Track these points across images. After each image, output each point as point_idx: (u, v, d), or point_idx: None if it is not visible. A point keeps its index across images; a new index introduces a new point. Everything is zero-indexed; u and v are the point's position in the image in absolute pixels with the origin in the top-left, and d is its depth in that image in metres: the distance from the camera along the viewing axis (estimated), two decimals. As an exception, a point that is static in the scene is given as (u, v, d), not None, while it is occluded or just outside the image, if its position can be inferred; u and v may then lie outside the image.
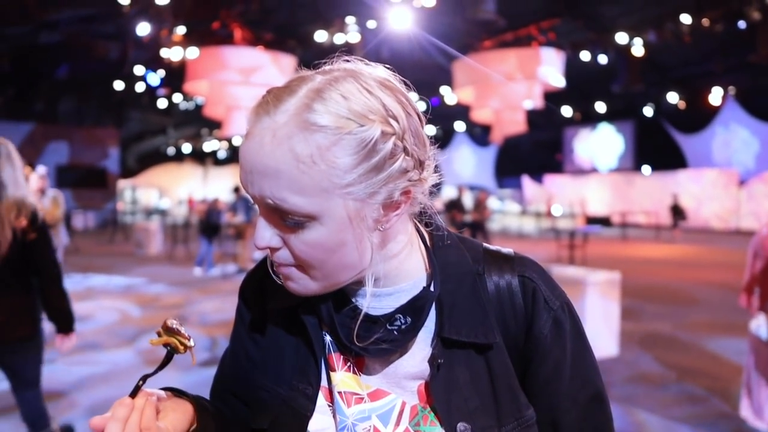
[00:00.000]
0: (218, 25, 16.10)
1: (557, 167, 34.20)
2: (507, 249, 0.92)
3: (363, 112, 0.72)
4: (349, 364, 0.86)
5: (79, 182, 24.92)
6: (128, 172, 34.13)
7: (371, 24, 15.13)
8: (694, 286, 10.57)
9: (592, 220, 27.10)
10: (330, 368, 0.86)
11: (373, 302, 0.83)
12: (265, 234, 0.76)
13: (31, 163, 7.43)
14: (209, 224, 11.94)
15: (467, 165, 35.77)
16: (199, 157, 39.48)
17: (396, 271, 0.84)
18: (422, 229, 0.89)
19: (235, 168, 39.08)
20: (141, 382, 0.79)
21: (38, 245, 2.88)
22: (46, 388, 4.92)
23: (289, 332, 0.90)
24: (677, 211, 21.47)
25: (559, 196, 30.82)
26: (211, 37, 16.06)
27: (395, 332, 0.81)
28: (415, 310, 0.81)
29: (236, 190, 13.07)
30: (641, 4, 16.29)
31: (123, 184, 31.73)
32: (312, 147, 0.70)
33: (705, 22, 15.24)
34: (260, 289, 0.95)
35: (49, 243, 2.97)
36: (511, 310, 0.85)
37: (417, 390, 0.84)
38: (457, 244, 0.89)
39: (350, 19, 15.45)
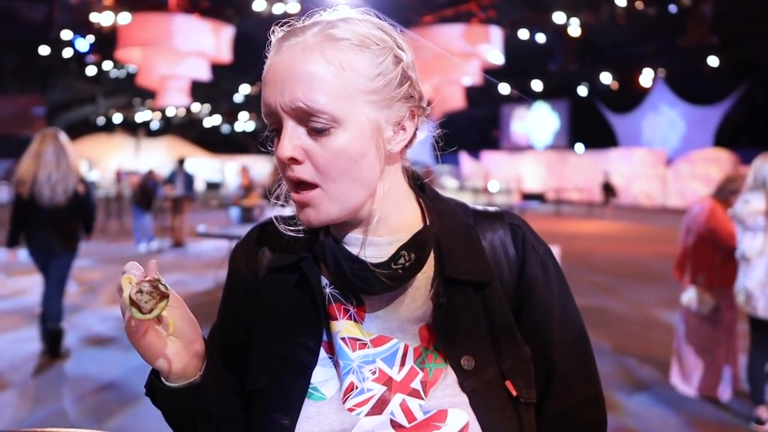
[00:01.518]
0: (152, -10, 15.50)
1: (494, 144, 34.70)
2: (493, 207, 0.98)
3: (378, 36, 0.83)
4: (350, 313, 0.88)
5: (1, 152, 23.73)
6: (55, 142, 32.68)
7: (311, -6, 14.87)
8: (625, 260, 10.97)
9: (527, 197, 27.70)
10: (331, 318, 0.88)
11: (374, 251, 0.86)
12: (289, 145, 0.80)
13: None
14: (144, 196, 11.59)
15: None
16: (131, 127, 38.11)
17: (395, 218, 0.88)
18: (416, 188, 0.94)
19: (169, 140, 38.20)
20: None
21: (85, 196, 5.01)
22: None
23: (287, 291, 0.91)
24: (608, 189, 22.16)
25: (495, 173, 31.28)
26: (145, 2, 15.44)
27: (400, 270, 0.84)
28: (418, 244, 0.85)
29: (180, 161, 12.58)
30: (579, -15, 16.57)
31: (49, 155, 30.41)
32: (340, 54, 0.79)
33: (638, 4, 15.64)
34: (253, 255, 0.97)
35: (91, 194, 5.15)
36: (505, 259, 0.91)
37: (419, 333, 0.87)
38: (447, 200, 0.96)
39: (290, -11, 15.12)
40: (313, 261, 0.90)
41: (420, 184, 0.95)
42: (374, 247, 0.87)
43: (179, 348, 0.81)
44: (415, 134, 0.89)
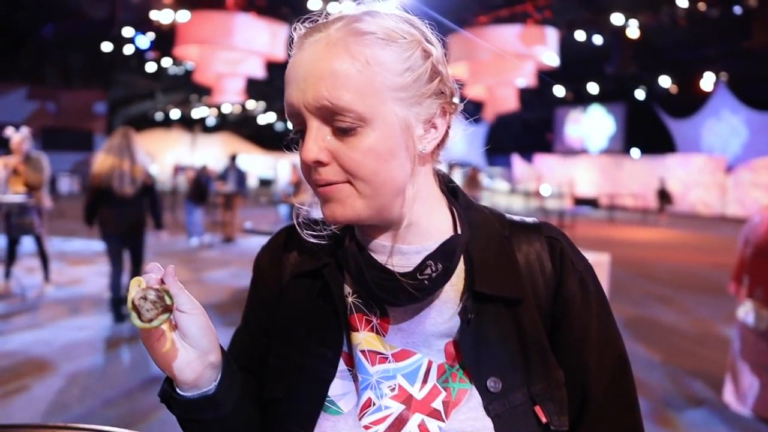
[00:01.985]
0: (211, -11, 15.80)
1: (547, 147, 34.19)
2: (530, 218, 0.93)
3: (406, 29, 0.79)
4: (372, 324, 0.85)
5: (65, 145, 24.60)
6: (115, 136, 33.70)
7: (366, -7, 14.93)
8: (679, 270, 10.65)
9: (580, 201, 27.22)
10: (352, 329, 0.85)
11: (400, 261, 0.83)
12: (314, 147, 0.76)
13: (17, 125, 7.31)
14: (197, 191, 11.83)
15: (457, 141, 35.53)
16: (188, 123, 38.98)
17: (425, 225, 0.84)
18: (448, 194, 0.90)
19: (224, 136, 38.93)
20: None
21: (152, 187, 5.89)
22: (31, 354, 4.89)
23: (308, 299, 0.89)
24: (664, 195, 21.57)
25: (548, 176, 30.84)
26: (204, 0, 15.75)
27: (426, 281, 0.79)
28: (445, 254, 0.81)
29: (232, 158, 12.80)
30: (639, -14, 16.18)
31: (109, 149, 31.37)
32: (365, 49, 0.75)
33: (701, 6, 15.17)
34: (278, 259, 0.95)
35: (155, 185, 6.03)
36: (541, 275, 0.85)
37: (444, 349, 0.83)
38: (482, 209, 0.91)
39: (345, -12, 15.24)
40: (336, 268, 0.87)
41: (453, 190, 0.90)
42: (401, 256, 0.83)
43: (193, 357, 0.79)
44: (447, 134, 0.85)
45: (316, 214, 0.89)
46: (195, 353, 0.79)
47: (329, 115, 0.75)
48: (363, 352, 0.83)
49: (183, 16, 15.29)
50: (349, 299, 0.86)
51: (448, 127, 0.85)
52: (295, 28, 0.83)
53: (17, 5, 18.38)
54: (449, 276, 0.81)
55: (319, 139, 0.76)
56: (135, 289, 0.75)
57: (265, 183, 37.34)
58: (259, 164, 38.79)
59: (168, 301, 0.75)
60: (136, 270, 5.90)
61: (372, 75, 0.75)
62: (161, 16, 16.10)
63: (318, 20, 0.81)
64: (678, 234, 17.40)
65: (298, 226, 0.90)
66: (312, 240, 0.90)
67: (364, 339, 0.84)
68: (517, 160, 34.02)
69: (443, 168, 0.92)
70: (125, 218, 5.69)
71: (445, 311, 0.83)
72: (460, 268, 0.84)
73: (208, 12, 15.21)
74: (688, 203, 25.64)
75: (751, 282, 4.26)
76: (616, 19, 16.49)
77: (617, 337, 0.88)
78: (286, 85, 0.79)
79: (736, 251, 4.52)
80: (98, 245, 10.87)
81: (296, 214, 0.90)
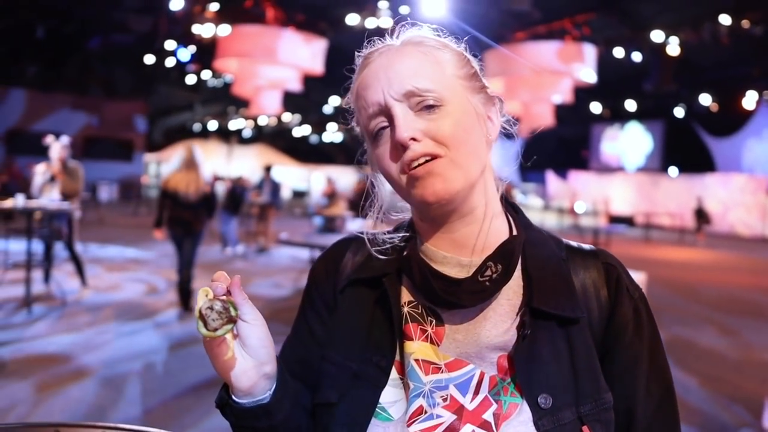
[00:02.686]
0: (251, 4, 16.08)
1: (582, 164, 33.85)
2: (588, 245, 0.95)
3: (451, 43, 0.90)
4: (427, 334, 0.87)
5: (105, 154, 25.19)
6: (154, 146, 34.36)
7: (404, 9, 15.02)
8: (720, 291, 10.42)
9: (615, 219, 26.84)
10: (407, 338, 0.87)
11: (461, 272, 0.86)
12: (407, 128, 0.81)
13: (58, 133, 7.54)
14: (232, 201, 11.99)
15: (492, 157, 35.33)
16: (224, 134, 39.60)
17: (487, 233, 0.88)
18: (508, 208, 0.95)
19: (260, 148, 39.36)
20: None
21: (211, 194, 6.79)
22: (70, 357, 5.00)
23: (364, 307, 0.92)
24: (701, 215, 21.17)
25: (582, 193, 30.52)
26: (243, 15, 16.04)
27: (487, 282, 0.83)
28: (504, 255, 0.85)
29: (267, 169, 12.93)
30: (679, 3, 15.99)
31: (149, 158, 31.98)
32: (429, 50, 0.86)
33: (744, 23, 14.92)
34: (334, 269, 0.98)
35: (214, 194, 6.99)
36: (595, 299, 0.88)
37: (497, 361, 0.84)
38: (540, 230, 0.94)
39: (383, 4, 15.35)
40: (396, 278, 0.90)
41: (513, 206, 0.95)
42: (461, 267, 0.87)
43: (250, 366, 0.81)
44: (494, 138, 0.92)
45: (360, 225, 0.92)
46: (252, 362, 0.81)
47: (413, 99, 0.83)
48: (417, 361, 0.85)
49: (224, 30, 15.61)
50: (405, 309, 0.89)
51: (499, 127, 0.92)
52: (360, 54, 0.91)
53: (65, 18, 18.94)
54: (509, 276, 0.84)
55: (408, 119, 0.82)
56: (203, 299, 0.78)
57: (299, 195, 37.66)
58: (293, 176, 39.15)
59: (233, 313, 0.78)
60: (189, 261, 6.80)
61: (440, 66, 0.85)
62: (203, 29, 16.45)
63: (376, 42, 0.91)
64: (716, 255, 17.04)
65: (366, 236, 0.96)
66: (375, 248, 0.94)
67: (418, 348, 0.86)
68: (551, 177, 33.75)
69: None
70: (188, 219, 6.65)
71: (500, 324, 0.85)
72: (518, 284, 0.87)
73: (248, 26, 15.49)
74: (727, 223, 25.11)
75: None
76: (656, 36, 16.33)
77: (666, 367, 0.90)
78: (363, 90, 0.87)
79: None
80: (134, 252, 11.12)
81: (363, 214, 0.97)
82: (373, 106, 0.84)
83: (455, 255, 0.87)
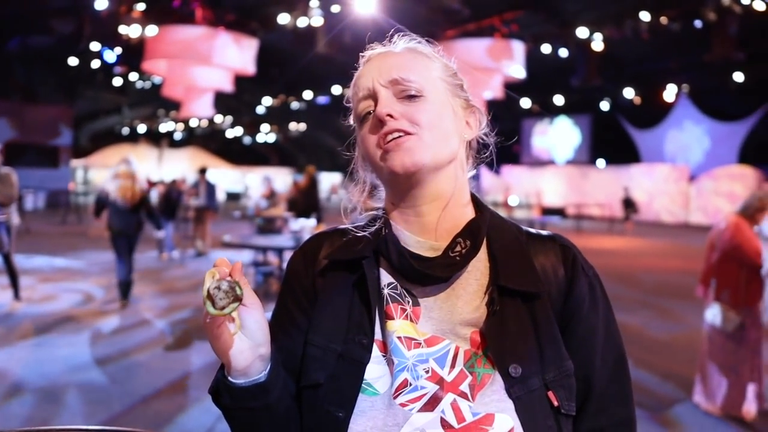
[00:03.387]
0: (179, 3, 15.73)
1: (515, 158, 34.60)
2: (544, 231, 1.04)
3: (443, 57, 1.03)
4: (406, 313, 0.93)
5: (29, 161, 24.14)
6: (81, 151, 33.17)
7: (335, 8, 15.00)
8: (646, 276, 10.88)
9: (548, 211, 27.55)
10: (388, 317, 0.93)
11: (432, 254, 0.95)
12: (386, 106, 0.93)
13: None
14: (168, 205, 11.71)
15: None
16: (155, 138, 38.60)
17: (457, 218, 0.97)
18: (476, 203, 1.03)
19: (192, 150, 38.55)
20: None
21: (145, 199, 7.34)
22: (4, 371, 4.80)
23: (344, 290, 0.96)
24: (629, 204, 21.96)
25: (516, 187, 31.21)
26: (171, 15, 15.67)
27: (457, 257, 0.92)
28: (472, 232, 0.95)
29: (202, 171, 12.62)
30: (602, 1, 16.55)
31: (75, 164, 30.87)
32: (419, 54, 0.99)
33: (663, 20, 15.58)
34: (312, 260, 1.03)
35: (147, 199, 7.55)
36: (554, 277, 0.96)
37: (470, 336, 0.92)
38: (502, 217, 1.04)
39: (314, 3, 15.27)
40: (374, 261, 0.97)
41: (477, 201, 1.04)
42: (433, 251, 0.95)
43: (245, 347, 0.86)
44: (473, 145, 1.04)
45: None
46: (249, 343, 0.86)
47: (397, 87, 0.94)
48: (399, 338, 0.91)
49: (151, 30, 15.20)
50: (386, 291, 0.95)
51: (477, 134, 1.04)
52: (363, 55, 1.03)
53: (-20, 19, 18.07)
54: (477, 250, 0.94)
55: (389, 101, 0.94)
56: (209, 280, 0.82)
57: (234, 197, 37.09)
58: (227, 178, 38.53)
59: (239, 292, 0.82)
60: (130, 259, 7.41)
61: (426, 66, 0.98)
62: (129, 30, 15.96)
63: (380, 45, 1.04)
64: (644, 242, 17.75)
65: (344, 215, 1.07)
66: (353, 232, 1.02)
67: (399, 326, 0.92)
68: (485, 172, 34.36)
69: None
70: (124, 223, 7.25)
71: (471, 302, 0.93)
72: (485, 265, 0.95)
73: (176, 27, 15.14)
74: (653, 212, 26.17)
75: (718, 285, 4.40)
76: (581, 32, 16.86)
77: (618, 337, 0.99)
78: (359, 78, 0.99)
79: (701, 257, 4.66)
80: (65, 262, 10.73)
81: (344, 208, 1.07)
82: (363, 90, 0.96)
83: (427, 239, 0.95)
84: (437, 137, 0.92)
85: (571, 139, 32.01)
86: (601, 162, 30.22)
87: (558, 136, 32.61)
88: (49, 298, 7.82)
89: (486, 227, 0.96)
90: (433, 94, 0.95)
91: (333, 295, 0.97)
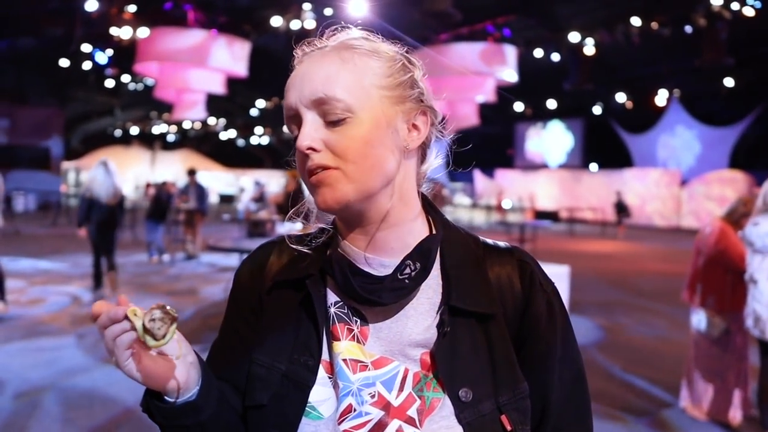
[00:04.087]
0: (171, 5, 15.69)
1: (508, 162, 34.65)
2: (503, 242, 0.98)
3: (391, 48, 0.91)
4: (353, 333, 0.89)
5: (20, 163, 24.02)
6: (73, 153, 33.03)
7: (327, 11, 14.99)
8: (636, 280, 10.90)
9: (540, 215, 27.59)
10: (334, 338, 0.89)
11: (384, 271, 0.89)
12: (308, 136, 0.84)
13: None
14: (158, 207, 11.64)
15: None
16: (148, 140, 38.47)
17: (405, 232, 0.90)
18: (428, 209, 0.96)
19: (185, 153, 38.49)
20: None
21: (120, 205, 7.97)
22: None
23: (290, 308, 0.92)
24: (621, 208, 22.03)
25: (509, 191, 31.25)
26: (163, 17, 15.62)
27: (406, 280, 0.86)
28: (422, 253, 0.88)
29: (191, 173, 12.58)
30: (594, 5, 16.60)
31: (67, 166, 30.75)
32: (354, 56, 0.87)
33: (654, 25, 15.63)
34: (259, 272, 0.99)
35: (124, 198, 8.36)
36: (510, 294, 0.91)
37: (420, 358, 0.87)
38: (458, 229, 0.97)
39: (307, 6, 15.26)
40: (319, 279, 0.92)
41: (431, 205, 0.97)
42: (383, 268, 0.89)
43: (174, 365, 0.82)
44: (427, 144, 0.94)
45: (288, 228, 0.94)
46: (175, 361, 0.82)
47: (322, 108, 0.84)
48: (345, 360, 0.87)
49: (143, 32, 15.14)
50: (332, 310, 0.91)
51: (428, 142, 0.94)
52: (295, 52, 0.92)
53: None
54: (427, 273, 0.88)
55: (312, 130, 0.84)
56: (136, 318, 0.77)
57: (227, 199, 37.01)
58: (220, 181, 38.45)
59: (172, 312, 0.79)
60: (110, 254, 8.01)
61: (360, 74, 0.85)
62: (121, 32, 15.90)
63: (315, 42, 0.92)
64: (635, 246, 17.80)
65: (288, 239, 0.98)
66: (297, 249, 0.96)
67: (345, 348, 0.88)
68: (478, 175, 34.40)
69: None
70: (106, 221, 7.82)
71: (421, 323, 0.88)
72: (437, 282, 0.90)
73: (168, 28, 15.11)
74: (645, 216, 26.25)
75: (704, 291, 4.41)
76: (573, 37, 16.89)
77: (577, 355, 0.95)
78: (285, 92, 0.88)
79: (690, 261, 4.66)
80: (53, 265, 10.67)
81: (289, 219, 0.99)
82: (289, 110, 0.87)
83: (377, 256, 0.89)
84: (364, 168, 0.83)
85: (563, 142, 32.09)
86: (593, 166, 30.31)
87: (551, 140, 32.68)
88: (36, 301, 7.76)
89: (438, 246, 0.90)
90: (365, 111, 0.84)
91: (279, 313, 0.93)
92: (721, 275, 4.29)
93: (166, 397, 0.84)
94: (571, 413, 0.92)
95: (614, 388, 4.97)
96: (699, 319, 4.41)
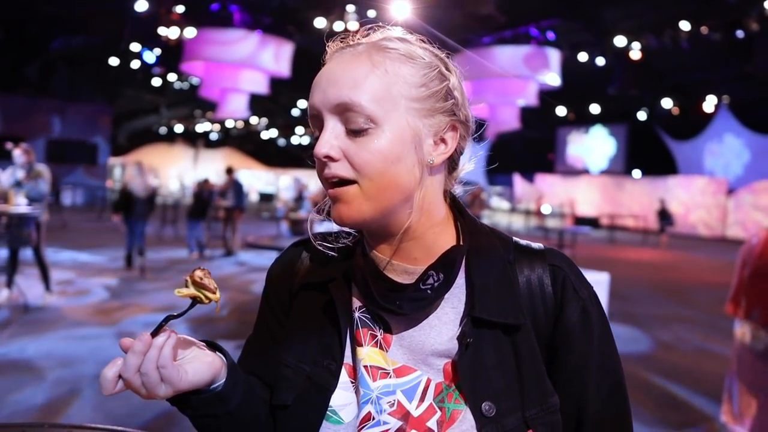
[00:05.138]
0: (217, 6, 15.97)
1: (548, 166, 34.27)
2: (537, 243, 0.94)
3: (427, 53, 0.86)
4: (376, 339, 0.88)
5: (69, 158, 24.71)
6: (119, 149, 33.83)
7: (371, 13, 15.06)
8: (681, 290, 10.66)
9: (580, 221, 27.22)
10: (357, 343, 0.88)
11: (407, 278, 0.86)
12: (327, 143, 0.81)
13: (22, 137, 7.41)
14: (198, 205, 11.84)
15: (468, 166, 35.48)
16: (191, 138, 39.19)
17: (431, 241, 0.87)
18: (457, 215, 0.93)
19: (227, 151, 39.05)
20: (164, 322, 0.80)
21: (154, 193, 10.30)
22: (32, 364, 4.91)
23: (316, 311, 0.92)
24: (664, 216, 21.58)
25: (549, 196, 30.91)
26: (210, 17, 15.92)
27: (428, 291, 0.83)
28: (446, 264, 0.84)
29: (228, 171, 12.81)
30: (642, 9, 16.32)
31: (113, 162, 31.52)
32: (386, 60, 0.82)
33: (704, 30, 15.30)
34: (290, 270, 0.99)
35: (156, 192, 12.20)
36: (541, 301, 0.87)
37: (443, 368, 0.85)
38: (488, 233, 0.92)
39: (350, 8, 15.37)
40: (344, 282, 0.91)
41: (461, 211, 0.93)
42: (407, 275, 0.87)
43: (202, 357, 0.83)
44: (458, 154, 0.91)
45: (326, 227, 0.93)
46: (199, 355, 0.83)
47: (345, 114, 0.81)
48: (366, 367, 0.86)
49: (190, 32, 15.44)
50: (356, 314, 0.89)
51: (460, 151, 0.91)
52: (328, 45, 0.89)
53: (28, 18, 18.55)
54: (450, 285, 0.85)
55: (332, 137, 0.81)
56: (187, 289, 0.83)
57: (266, 198, 37.44)
58: (261, 179, 38.92)
59: (199, 275, 0.84)
60: (142, 235, 9.63)
61: (389, 82, 0.81)
62: (169, 32, 16.24)
63: (348, 39, 0.88)
64: (678, 255, 17.42)
65: (314, 238, 0.95)
66: (323, 251, 0.94)
67: (367, 354, 0.87)
68: (518, 179, 34.12)
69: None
70: (140, 210, 9.48)
71: (444, 332, 0.85)
72: (462, 292, 0.87)
73: (214, 29, 15.38)
74: (689, 224, 25.66)
75: (748, 303, 4.28)
76: (619, 41, 16.64)
77: (616, 365, 0.90)
78: (311, 91, 0.85)
79: (735, 273, 4.54)
80: (97, 258, 10.94)
81: (311, 224, 0.95)
82: (311, 108, 0.84)
83: (401, 263, 0.87)
84: (381, 185, 0.80)
85: (606, 148, 31.59)
86: (636, 172, 29.76)
87: (593, 145, 32.21)
88: (81, 292, 7.97)
89: (462, 257, 0.86)
90: (389, 123, 0.80)
91: (305, 315, 0.93)
92: (766, 287, 4.17)
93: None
94: (609, 427, 0.88)
95: (651, 401, 4.87)
96: (743, 332, 4.30)
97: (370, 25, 0.89)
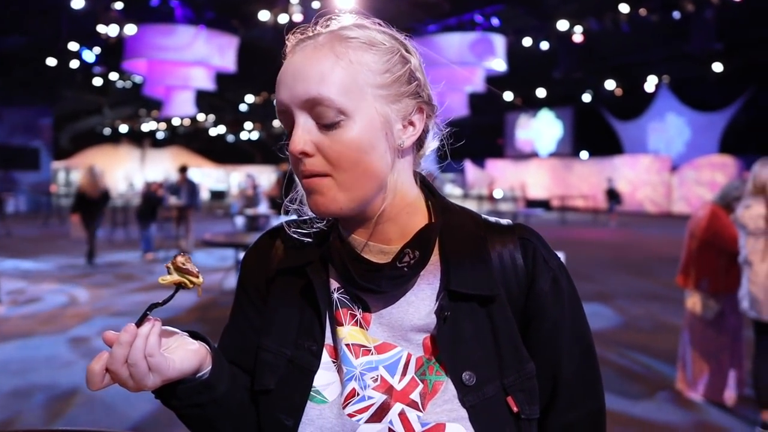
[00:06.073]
0: (158, 2, 15.60)
1: (499, 152, 34.72)
2: (505, 219, 0.98)
3: (387, 38, 0.87)
4: (356, 318, 0.90)
5: (9, 163, 23.84)
6: (62, 153, 32.83)
7: (315, 4, 14.92)
8: (629, 266, 10.96)
9: (532, 204, 27.68)
10: (337, 324, 0.90)
11: (383, 258, 0.88)
12: (300, 139, 0.82)
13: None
14: (148, 206, 11.61)
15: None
16: (137, 138, 38.28)
17: (404, 221, 0.89)
18: (428, 194, 0.95)
19: (175, 150, 38.31)
20: (147, 312, 0.81)
21: (106, 193, 10.96)
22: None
23: (294, 294, 0.93)
24: (613, 195, 22.12)
25: (500, 180, 31.33)
26: (151, 13, 15.53)
27: (405, 268, 0.85)
28: (421, 242, 0.87)
29: (182, 170, 12.57)
30: (582, -7, 16.61)
31: (56, 166, 30.58)
32: (348, 50, 0.83)
33: (642, 11, 15.66)
34: (266, 257, 0.99)
35: (108, 193, 11.26)
36: (513, 273, 0.90)
37: (422, 343, 0.87)
38: (459, 211, 0.95)
39: (294, -1, 15.19)
40: (321, 265, 0.92)
41: (431, 190, 0.96)
42: (383, 255, 0.89)
43: (187, 345, 0.85)
44: (425, 134, 0.92)
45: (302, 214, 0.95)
46: (183, 343, 0.85)
47: (315, 109, 0.81)
48: (348, 345, 0.88)
49: (130, 29, 15.04)
50: (335, 295, 0.91)
51: (426, 131, 0.92)
52: (287, 39, 0.89)
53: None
54: (426, 262, 0.87)
55: (305, 132, 0.82)
56: (170, 276, 0.84)
57: (217, 195, 36.92)
58: (211, 177, 38.35)
59: (181, 260, 0.84)
60: (94, 235, 10.59)
61: (354, 72, 0.82)
62: (108, 29, 15.78)
63: (308, 30, 0.88)
64: (629, 232, 17.88)
65: (288, 225, 0.97)
66: (299, 238, 0.96)
67: (348, 333, 0.89)
68: (469, 166, 34.45)
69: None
70: (95, 210, 10.45)
71: (422, 308, 0.88)
72: (437, 268, 0.89)
73: (155, 25, 15.03)
74: (636, 202, 26.38)
75: (697, 274, 4.44)
76: (562, 25, 16.89)
77: (586, 330, 0.94)
78: (276, 87, 0.85)
79: (683, 247, 4.70)
80: (44, 265, 10.64)
81: (284, 211, 0.97)
82: (280, 104, 0.85)
83: (377, 243, 0.89)
84: (356, 175, 0.82)
85: (553, 131, 32.15)
86: (584, 154, 30.41)
87: (541, 129, 32.74)
88: (32, 300, 7.74)
89: (437, 234, 0.88)
90: (359, 113, 0.81)
91: (284, 300, 0.94)
92: (713, 258, 4.33)
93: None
94: (581, 388, 0.93)
95: (612, 372, 5.00)
96: (693, 302, 4.45)
97: (327, 16, 0.89)
